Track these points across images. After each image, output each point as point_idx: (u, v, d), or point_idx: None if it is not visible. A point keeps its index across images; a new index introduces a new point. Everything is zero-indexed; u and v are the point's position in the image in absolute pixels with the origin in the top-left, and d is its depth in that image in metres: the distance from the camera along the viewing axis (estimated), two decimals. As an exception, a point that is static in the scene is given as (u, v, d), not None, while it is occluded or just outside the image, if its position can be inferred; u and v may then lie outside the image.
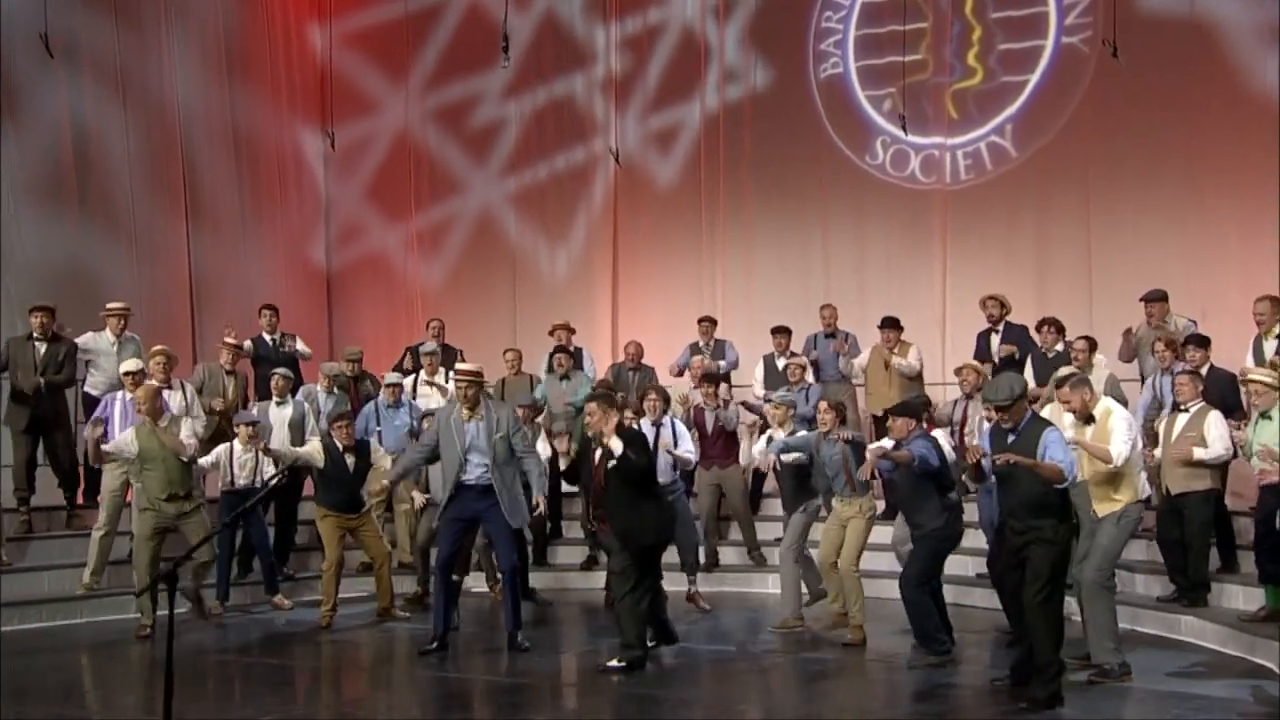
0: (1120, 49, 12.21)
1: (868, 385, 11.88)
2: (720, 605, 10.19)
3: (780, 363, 12.04)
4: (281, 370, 11.41)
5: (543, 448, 10.24)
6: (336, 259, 16.47)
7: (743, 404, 11.76)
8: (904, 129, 13.17)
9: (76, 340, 10.85)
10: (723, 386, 11.54)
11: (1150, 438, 9.25)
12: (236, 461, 10.12)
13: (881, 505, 8.71)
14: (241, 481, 10.06)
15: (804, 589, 9.22)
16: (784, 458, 9.04)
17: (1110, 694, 6.98)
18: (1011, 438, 6.65)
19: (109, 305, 11.17)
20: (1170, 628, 8.80)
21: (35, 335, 10.57)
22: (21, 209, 12.45)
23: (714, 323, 12.81)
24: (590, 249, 15.38)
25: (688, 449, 9.93)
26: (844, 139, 14.09)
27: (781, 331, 12.26)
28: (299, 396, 11.44)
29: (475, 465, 8.24)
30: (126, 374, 10.02)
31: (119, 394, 10.05)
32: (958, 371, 10.62)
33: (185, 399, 10.59)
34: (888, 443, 8.24)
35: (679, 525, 9.60)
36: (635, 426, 8.80)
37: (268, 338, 12.46)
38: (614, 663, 7.58)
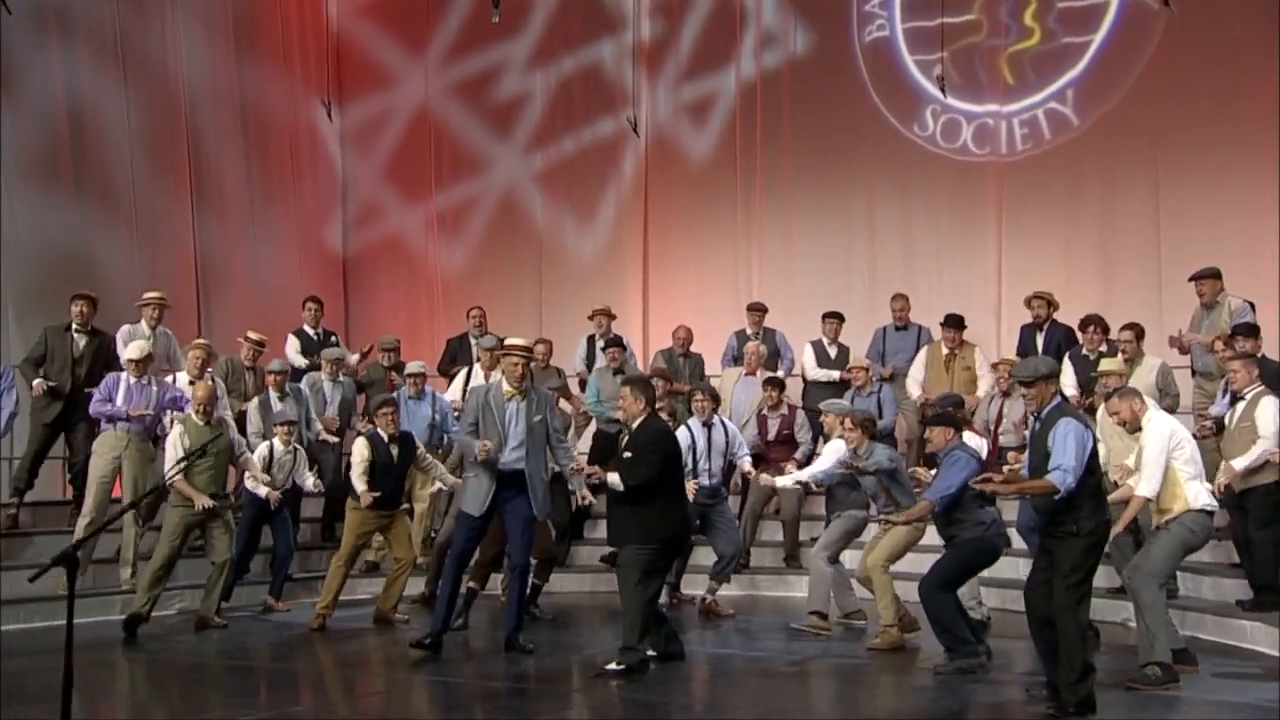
0: (1187, 1, 11.86)
1: (927, 387, 11.64)
2: (751, 610, 10.16)
3: (832, 351, 11.99)
4: (335, 351, 11.67)
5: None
6: (353, 243, 16.50)
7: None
8: (943, 91, 12.93)
9: (115, 336, 10.90)
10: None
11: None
12: (277, 463, 10.21)
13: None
14: (278, 481, 10.15)
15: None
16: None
17: (1150, 701, 6.82)
18: (1036, 425, 6.56)
19: (145, 295, 11.18)
20: (1234, 635, 8.57)
21: (75, 326, 10.58)
22: (14, 190, 12.49)
23: (764, 310, 12.66)
24: (619, 229, 15.30)
25: (746, 453, 10.15)
26: (890, 108, 13.89)
27: (833, 317, 12.16)
28: (302, 384, 11.44)
29: (512, 449, 8.14)
30: (130, 360, 10.00)
31: (120, 375, 10.05)
32: (995, 367, 10.40)
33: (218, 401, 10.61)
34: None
35: (717, 531, 9.76)
36: (663, 418, 8.71)
37: (310, 330, 12.47)
38: (611, 666, 7.48)
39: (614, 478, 7.56)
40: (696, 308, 14.06)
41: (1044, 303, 11.34)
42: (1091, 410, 9.41)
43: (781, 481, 9.71)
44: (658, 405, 10.25)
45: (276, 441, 10.27)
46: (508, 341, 8.40)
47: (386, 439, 9.55)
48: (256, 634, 9.43)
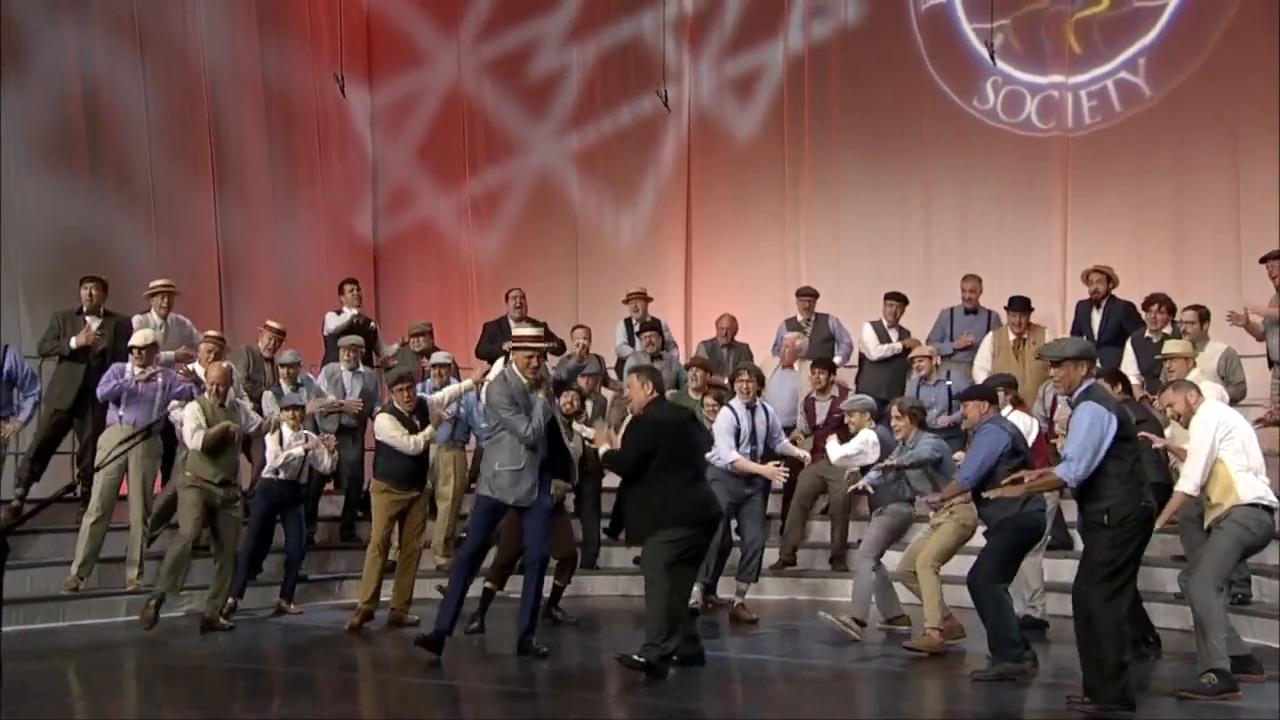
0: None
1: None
2: (793, 614, 10.15)
3: (893, 334, 11.87)
4: (353, 338, 11.63)
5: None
6: (384, 229, 16.50)
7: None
8: (993, 59, 12.86)
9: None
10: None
11: None
12: (284, 444, 10.19)
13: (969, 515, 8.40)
14: (285, 472, 10.11)
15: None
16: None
17: (1203, 710, 6.69)
18: (1069, 411, 6.58)
19: (153, 284, 11.18)
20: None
21: (85, 309, 10.61)
22: (25, 174, 12.53)
23: (815, 295, 12.47)
24: (660, 213, 15.27)
25: (783, 437, 10.09)
26: (948, 80, 13.77)
27: (895, 299, 11.96)
28: (320, 377, 11.48)
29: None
30: (135, 348, 9.99)
31: (126, 365, 10.04)
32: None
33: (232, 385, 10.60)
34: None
35: (743, 524, 9.71)
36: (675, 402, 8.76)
37: (351, 313, 12.46)
38: (636, 656, 7.41)
39: (605, 447, 7.78)
40: (742, 295, 13.99)
41: (1103, 277, 11.09)
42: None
43: (834, 452, 9.40)
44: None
45: (285, 427, 10.23)
46: (516, 332, 8.38)
47: (408, 414, 9.68)
48: (263, 637, 9.43)
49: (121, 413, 9.93)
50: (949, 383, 10.98)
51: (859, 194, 14.08)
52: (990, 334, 11.49)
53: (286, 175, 15.31)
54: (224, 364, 9.77)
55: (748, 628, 9.57)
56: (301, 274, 14.99)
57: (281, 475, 10.07)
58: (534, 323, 11.57)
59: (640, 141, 15.30)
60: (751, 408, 9.79)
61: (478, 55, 16.05)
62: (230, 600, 9.68)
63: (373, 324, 12.62)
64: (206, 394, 9.58)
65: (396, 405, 9.80)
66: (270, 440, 10.17)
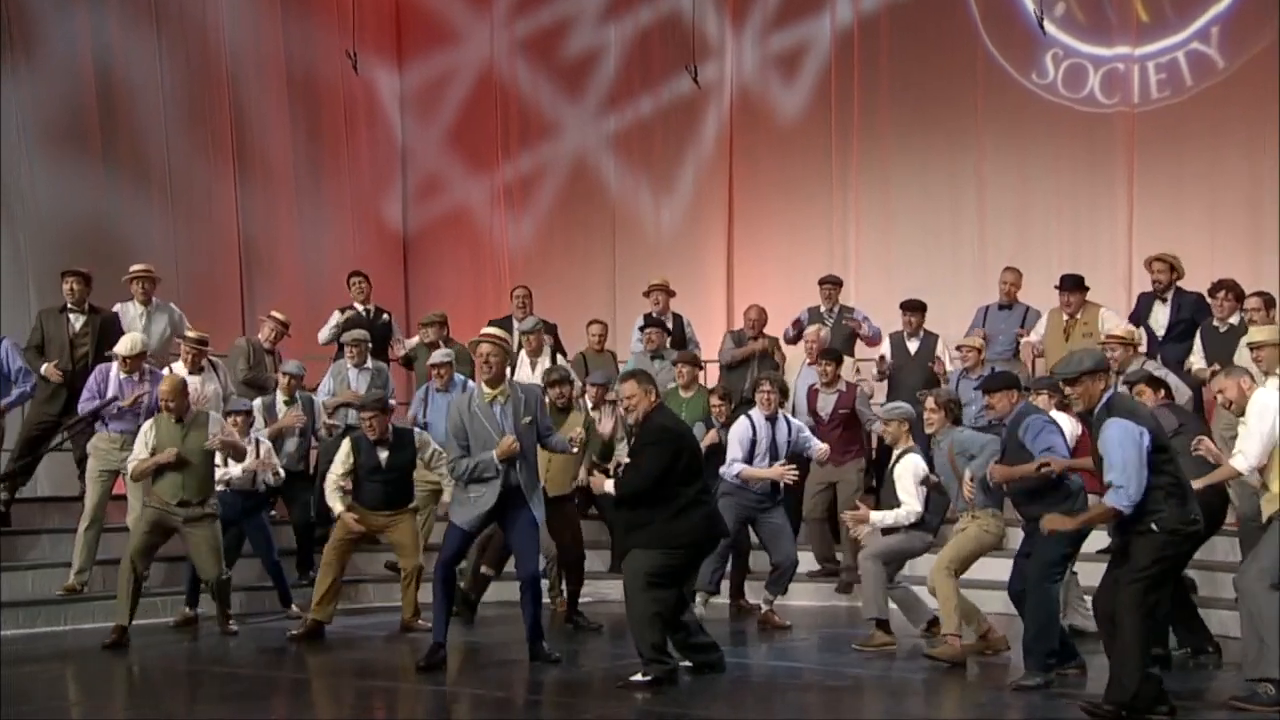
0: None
1: (1047, 358, 11.28)
2: (833, 621, 10.08)
3: (913, 345, 11.58)
4: (357, 333, 11.49)
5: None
6: (414, 217, 16.49)
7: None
8: (1041, 27, 12.72)
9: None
10: (847, 364, 11.18)
11: None
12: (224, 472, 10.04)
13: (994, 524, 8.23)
14: (236, 472, 10.00)
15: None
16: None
17: None
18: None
19: (132, 268, 11.16)
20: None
21: (69, 306, 10.59)
22: (36, 159, 12.60)
23: (838, 284, 12.28)
24: (701, 198, 15.17)
25: (811, 440, 9.93)
26: (1005, 53, 13.57)
27: (913, 308, 11.67)
28: (326, 378, 11.42)
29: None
30: (120, 357, 9.93)
31: (111, 367, 10.01)
32: (1103, 342, 10.00)
33: (220, 384, 10.62)
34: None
35: (769, 539, 9.71)
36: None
37: (360, 308, 12.41)
38: (637, 677, 7.36)
39: (608, 485, 7.44)
40: (787, 284, 13.88)
41: (1165, 267, 10.76)
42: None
43: (873, 519, 9.00)
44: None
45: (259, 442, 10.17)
46: (484, 331, 8.25)
47: (373, 442, 9.42)
48: (265, 641, 9.42)
49: (109, 420, 9.90)
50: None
51: (909, 176, 13.92)
52: (1046, 313, 11.30)
53: (311, 161, 15.31)
54: (176, 377, 9.50)
55: (779, 634, 9.51)
56: (327, 264, 14.96)
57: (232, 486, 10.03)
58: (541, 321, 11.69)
59: (680, 122, 15.19)
60: (773, 419, 9.63)
61: (511, 33, 16.00)
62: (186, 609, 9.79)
63: (385, 316, 12.48)
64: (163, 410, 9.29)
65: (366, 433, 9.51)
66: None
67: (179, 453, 9.04)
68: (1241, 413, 7.07)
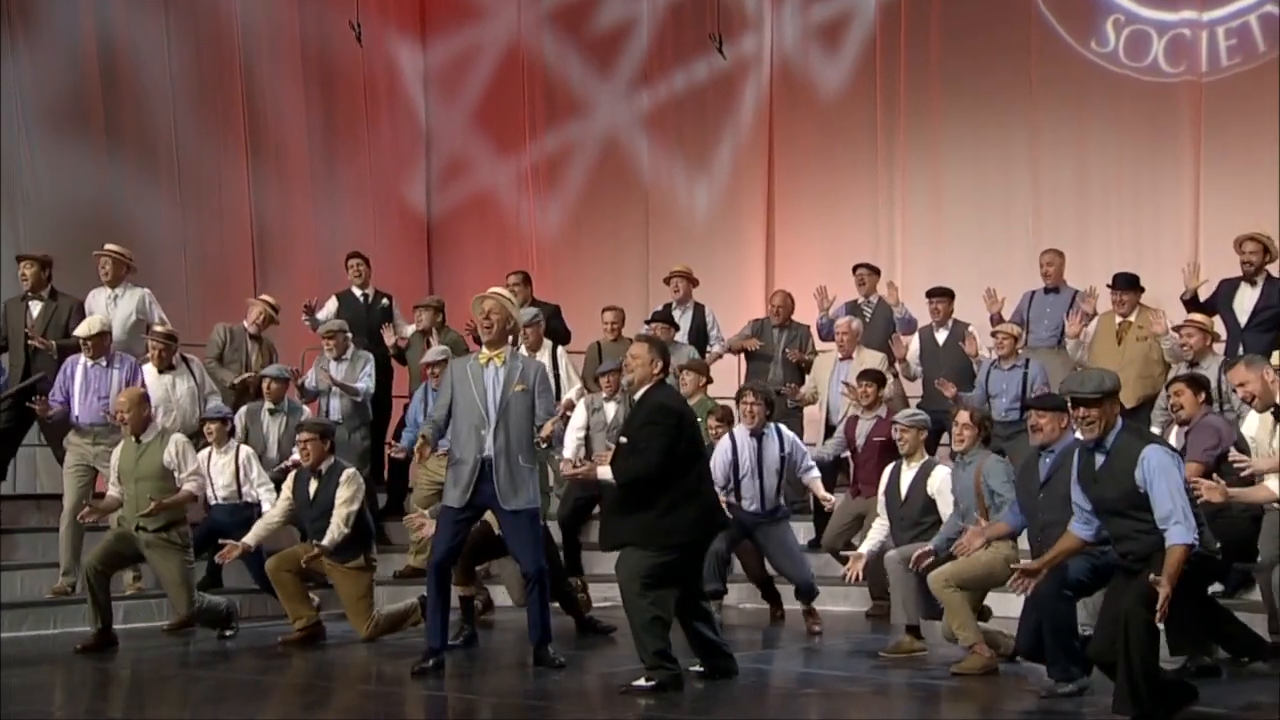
0: None
1: (1093, 366, 10.79)
2: (875, 626, 9.93)
3: (940, 335, 11.31)
4: (332, 323, 11.30)
5: None
6: (438, 201, 16.48)
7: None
8: None
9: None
10: (890, 385, 10.76)
11: None
12: (214, 469, 9.92)
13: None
14: (222, 493, 9.90)
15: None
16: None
17: None
18: (1100, 458, 6.24)
19: (106, 246, 10.95)
20: None
21: (26, 294, 10.49)
22: (35, 142, 12.64)
23: (875, 272, 12.08)
24: (739, 179, 15.04)
25: (812, 467, 9.62)
26: (1062, 20, 13.31)
27: (941, 294, 11.41)
28: (309, 378, 11.28)
29: (493, 427, 7.84)
30: (81, 339, 9.80)
31: (79, 358, 9.89)
32: (1179, 327, 9.77)
33: (196, 382, 10.45)
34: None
35: (775, 558, 9.50)
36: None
37: (358, 292, 12.28)
38: (640, 682, 7.22)
39: (604, 471, 7.16)
40: (830, 269, 13.53)
41: (1259, 248, 10.23)
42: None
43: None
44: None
45: (213, 448, 9.99)
46: (491, 290, 8.01)
47: (309, 473, 9.16)
48: (264, 646, 9.33)
49: (77, 413, 9.78)
50: (1025, 369, 10.54)
51: (959, 153, 13.76)
52: (1099, 316, 11.01)
53: (329, 144, 15.31)
54: (134, 390, 9.28)
55: (810, 639, 9.42)
56: (346, 252, 14.81)
57: (219, 499, 9.94)
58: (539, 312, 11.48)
59: (716, 99, 15.06)
60: (759, 435, 9.30)
61: (538, 5, 15.95)
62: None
63: (385, 301, 12.30)
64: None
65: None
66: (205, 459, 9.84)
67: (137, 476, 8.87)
68: (1266, 408, 6.82)
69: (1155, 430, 8.64)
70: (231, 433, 10.11)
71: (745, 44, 14.79)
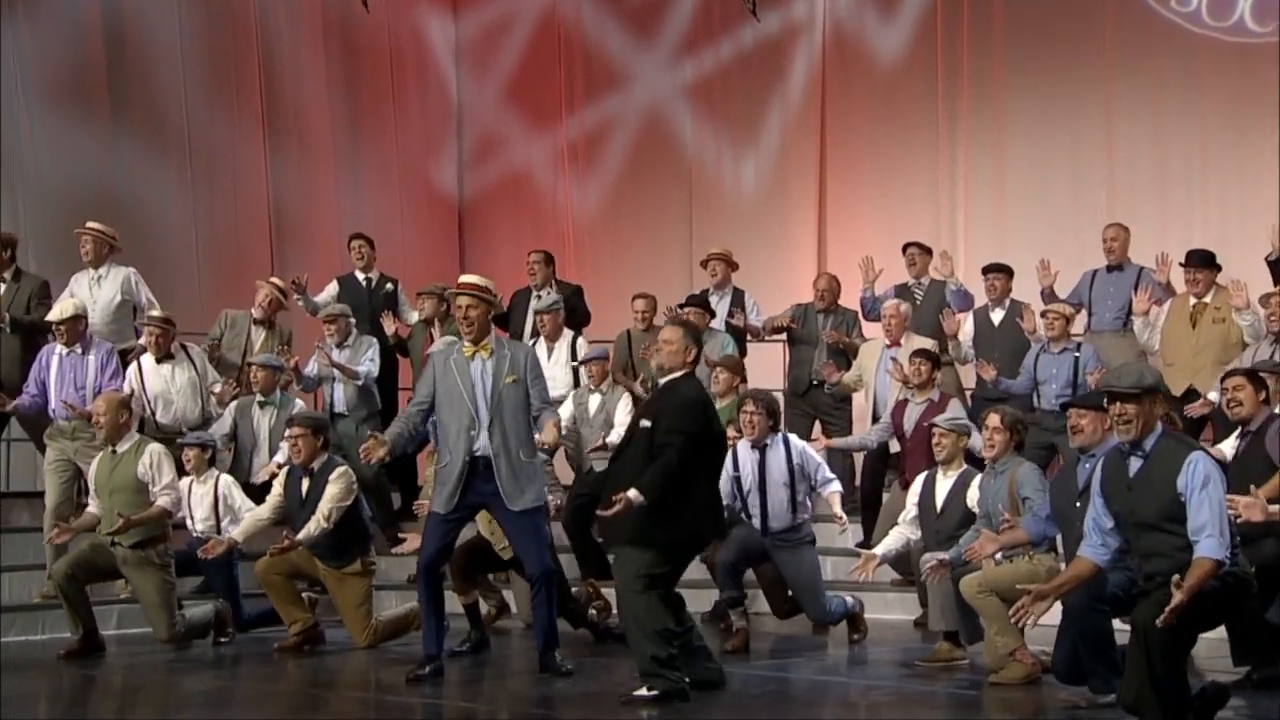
0: None
1: (1164, 353, 10.63)
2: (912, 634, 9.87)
3: (996, 316, 11.06)
4: (333, 308, 11.19)
5: None
6: (470, 182, 16.50)
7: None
8: None
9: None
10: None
11: None
12: (194, 499, 9.67)
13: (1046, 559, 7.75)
14: (200, 527, 9.66)
15: None
16: None
17: None
18: (1136, 462, 6.02)
19: (88, 224, 10.73)
20: None
21: None
22: (36, 116, 12.60)
23: (927, 251, 11.80)
24: (788, 154, 14.97)
25: (835, 488, 9.19)
26: None
27: (998, 270, 11.18)
28: (309, 366, 11.04)
29: (486, 425, 7.70)
30: (55, 323, 9.63)
31: (54, 347, 9.74)
32: (1263, 301, 9.57)
33: (197, 372, 10.27)
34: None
35: (794, 586, 9.22)
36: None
37: (361, 276, 12.15)
38: (641, 692, 7.07)
39: (634, 494, 6.86)
40: (887, 251, 13.26)
41: None
42: None
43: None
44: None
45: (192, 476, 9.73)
46: (461, 279, 7.84)
47: (300, 470, 8.97)
48: (253, 649, 9.33)
49: (53, 406, 9.63)
50: (1077, 354, 10.24)
51: (1026, 124, 13.70)
52: (1171, 299, 10.72)
53: (352, 120, 15.29)
54: (115, 395, 9.09)
55: (851, 647, 9.35)
56: (373, 235, 14.72)
57: (198, 529, 9.68)
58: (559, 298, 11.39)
59: (764, 69, 14.99)
60: (761, 447, 8.95)
61: (577, -32, 16.02)
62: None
63: (389, 285, 12.12)
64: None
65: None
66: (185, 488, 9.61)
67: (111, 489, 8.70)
68: None
69: None
70: (212, 460, 9.85)
71: (795, 9, 14.75)
